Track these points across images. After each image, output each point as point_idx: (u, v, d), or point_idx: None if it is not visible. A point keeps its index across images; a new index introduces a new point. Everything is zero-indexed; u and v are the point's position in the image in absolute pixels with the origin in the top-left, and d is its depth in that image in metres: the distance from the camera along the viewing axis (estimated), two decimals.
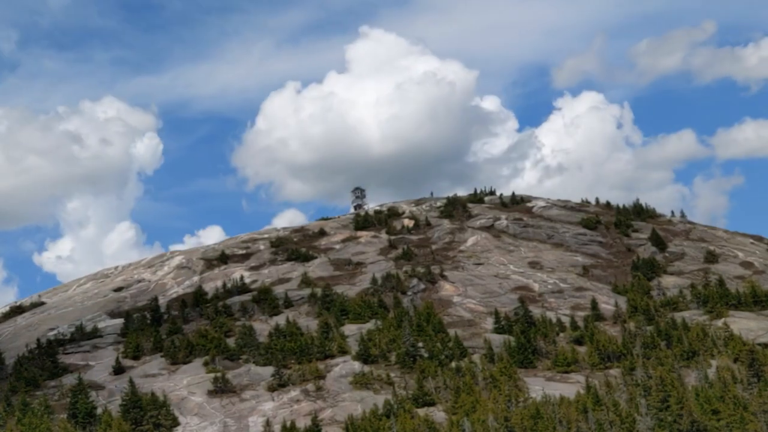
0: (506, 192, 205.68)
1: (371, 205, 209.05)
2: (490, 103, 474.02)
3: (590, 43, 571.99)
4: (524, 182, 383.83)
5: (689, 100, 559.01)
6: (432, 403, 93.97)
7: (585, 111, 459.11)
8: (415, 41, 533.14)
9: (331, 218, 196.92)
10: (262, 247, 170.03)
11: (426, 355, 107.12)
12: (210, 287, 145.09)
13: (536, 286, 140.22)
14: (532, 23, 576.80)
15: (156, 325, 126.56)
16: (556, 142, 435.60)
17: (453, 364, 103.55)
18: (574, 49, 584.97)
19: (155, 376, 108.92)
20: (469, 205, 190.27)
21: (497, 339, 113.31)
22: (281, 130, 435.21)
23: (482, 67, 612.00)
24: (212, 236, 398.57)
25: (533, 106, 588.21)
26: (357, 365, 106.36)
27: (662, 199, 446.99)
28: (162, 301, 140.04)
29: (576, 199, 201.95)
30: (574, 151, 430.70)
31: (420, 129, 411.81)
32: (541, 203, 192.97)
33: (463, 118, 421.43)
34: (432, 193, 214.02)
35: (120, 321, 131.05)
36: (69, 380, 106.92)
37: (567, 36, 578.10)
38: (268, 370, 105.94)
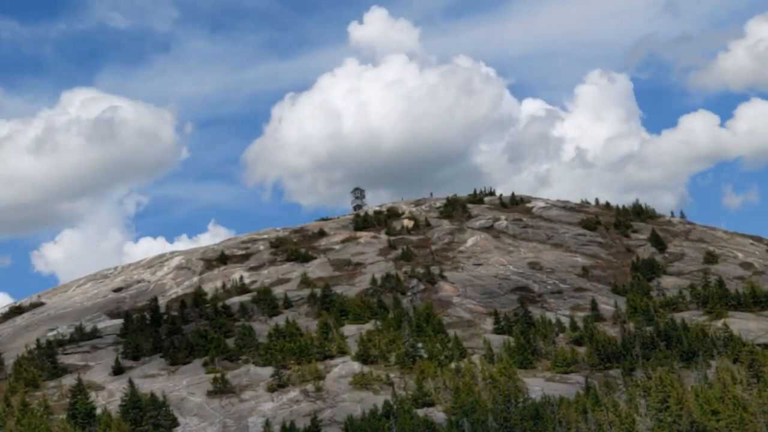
0: (506, 192, 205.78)
1: (371, 206, 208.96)
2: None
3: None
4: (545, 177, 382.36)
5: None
6: (431, 404, 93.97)
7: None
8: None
9: (330, 218, 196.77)
10: (261, 247, 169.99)
11: (425, 355, 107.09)
12: (209, 288, 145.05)
13: (536, 287, 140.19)
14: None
15: (155, 326, 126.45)
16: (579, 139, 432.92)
17: (452, 365, 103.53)
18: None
19: (155, 377, 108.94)
20: (469, 205, 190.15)
21: (497, 339, 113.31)
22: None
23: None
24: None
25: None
26: (356, 366, 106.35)
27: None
28: (161, 302, 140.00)
29: (576, 199, 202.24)
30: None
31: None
32: (541, 204, 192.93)
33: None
34: (432, 194, 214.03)
35: (119, 321, 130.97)
36: (68, 381, 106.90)
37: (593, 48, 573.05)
38: (268, 371, 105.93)
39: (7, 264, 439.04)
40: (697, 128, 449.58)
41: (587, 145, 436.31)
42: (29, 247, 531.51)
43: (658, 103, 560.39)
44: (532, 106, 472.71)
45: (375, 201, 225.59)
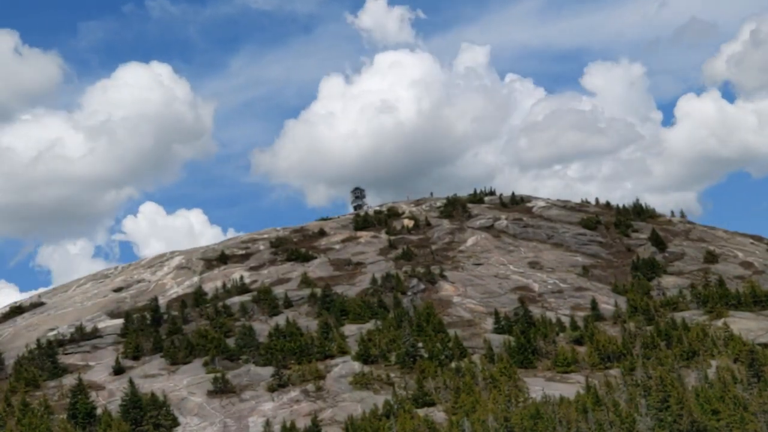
0: (506, 192, 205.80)
1: (371, 205, 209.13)
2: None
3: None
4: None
5: None
6: (432, 404, 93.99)
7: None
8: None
9: (330, 218, 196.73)
10: (261, 247, 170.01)
11: (426, 355, 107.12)
12: (210, 287, 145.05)
13: (536, 286, 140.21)
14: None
15: (156, 326, 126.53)
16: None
17: (453, 365, 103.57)
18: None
19: (155, 377, 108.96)
20: (469, 205, 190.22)
21: (497, 339, 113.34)
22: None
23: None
24: None
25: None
26: (357, 365, 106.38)
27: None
28: (162, 302, 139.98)
29: (576, 199, 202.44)
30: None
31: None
32: (541, 203, 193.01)
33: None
34: (432, 193, 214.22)
35: (120, 321, 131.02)
36: (69, 380, 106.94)
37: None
38: (268, 371, 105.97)
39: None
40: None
41: (597, 139, 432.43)
42: None
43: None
44: (539, 98, 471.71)
45: (376, 201, 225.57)
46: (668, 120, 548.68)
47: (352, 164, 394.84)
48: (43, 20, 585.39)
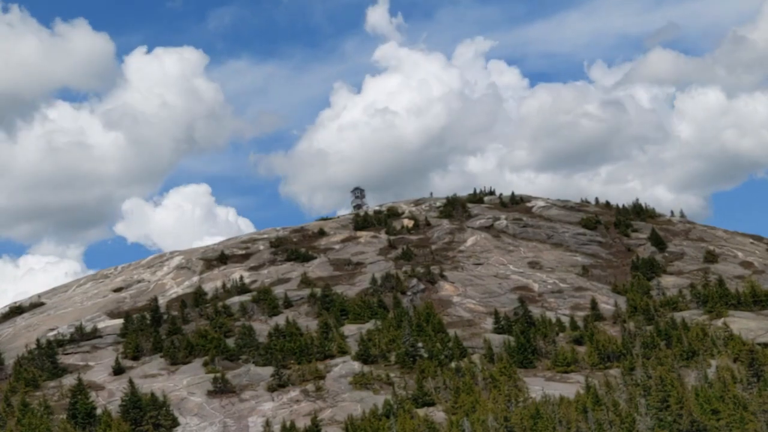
0: (506, 192, 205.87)
1: (371, 205, 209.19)
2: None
3: None
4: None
5: None
6: (432, 403, 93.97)
7: None
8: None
9: (330, 218, 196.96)
10: (261, 247, 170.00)
11: (426, 355, 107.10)
12: (210, 287, 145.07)
13: (536, 286, 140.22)
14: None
15: (155, 326, 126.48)
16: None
17: (453, 364, 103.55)
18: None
19: (155, 377, 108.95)
20: (469, 205, 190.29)
21: (497, 339, 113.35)
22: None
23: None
24: None
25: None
26: (357, 365, 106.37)
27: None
28: (161, 302, 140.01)
29: (576, 198, 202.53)
30: None
31: None
32: (541, 203, 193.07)
33: None
34: (431, 193, 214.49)
35: (119, 321, 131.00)
36: (69, 381, 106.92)
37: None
38: (268, 371, 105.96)
39: None
40: None
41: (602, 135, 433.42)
42: None
43: None
44: (543, 95, 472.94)
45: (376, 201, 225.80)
46: None
47: (354, 165, 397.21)
48: (174, 10, 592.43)
